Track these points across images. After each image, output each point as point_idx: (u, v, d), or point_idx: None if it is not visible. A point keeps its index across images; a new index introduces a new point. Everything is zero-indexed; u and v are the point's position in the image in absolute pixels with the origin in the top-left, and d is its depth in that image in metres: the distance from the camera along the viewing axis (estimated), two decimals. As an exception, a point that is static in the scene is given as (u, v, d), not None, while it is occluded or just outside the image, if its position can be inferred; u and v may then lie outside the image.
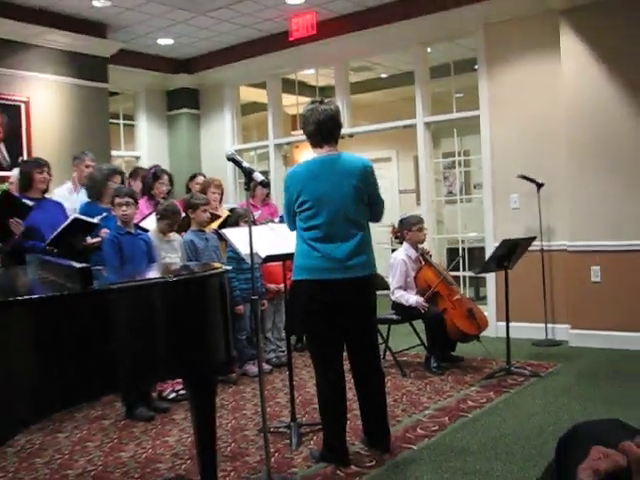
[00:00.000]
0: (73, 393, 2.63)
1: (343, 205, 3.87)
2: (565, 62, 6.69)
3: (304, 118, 4.02)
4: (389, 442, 4.08)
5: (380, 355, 4.24)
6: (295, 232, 4.05)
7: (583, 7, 6.55)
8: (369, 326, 4.10)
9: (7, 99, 7.40)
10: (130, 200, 5.04)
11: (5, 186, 6.79)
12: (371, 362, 4.09)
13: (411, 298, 5.98)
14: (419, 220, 6.25)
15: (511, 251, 5.72)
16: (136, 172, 6.82)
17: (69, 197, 6.20)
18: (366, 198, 3.97)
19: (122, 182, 5.71)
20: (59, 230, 5.05)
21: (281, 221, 5.42)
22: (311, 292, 3.93)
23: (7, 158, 7.32)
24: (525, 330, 6.98)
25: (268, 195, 7.11)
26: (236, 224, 5.83)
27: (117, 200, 5.03)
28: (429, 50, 8.22)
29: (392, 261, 6.18)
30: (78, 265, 2.75)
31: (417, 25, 7.82)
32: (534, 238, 6.29)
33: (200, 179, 7.10)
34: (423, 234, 6.18)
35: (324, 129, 3.96)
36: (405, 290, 6.07)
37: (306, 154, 9.99)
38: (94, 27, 8.18)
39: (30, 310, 2.46)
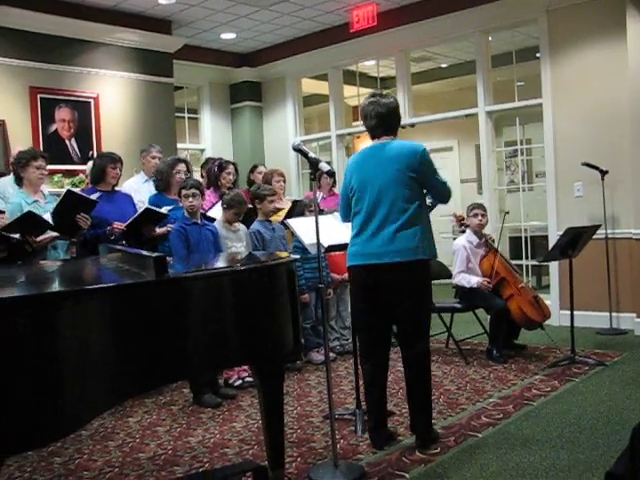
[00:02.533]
0: (147, 379, 2.70)
1: (385, 189, 3.82)
2: (631, 47, 6.53)
3: (365, 111, 3.99)
4: (425, 437, 3.96)
5: (424, 345, 3.96)
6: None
7: (651, -11, 6.37)
8: (409, 314, 3.90)
9: (78, 96, 7.62)
10: (196, 192, 5.15)
11: (77, 179, 7.04)
12: (409, 353, 3.94)
13: (472, 279, 5.96)
14: (475, 206, 6.23)
15: (575, 239, 5.66)
16: (208, 162, 6.92)
17: (140, 188, 6.33)
18: (415, 183, 3.84)
19: (187, 170, 5.80)
20: (132, 219, 5.20)
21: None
22: (354, 278, 3.99)
23: (78, 153, 7.53)
24: (589, 319, 6.90)
25: (334, 185, 7.16)
26: (302, 214, 5.91)
27: (184, 192, 5.15)
28: (490, 39, 8.15)
29: (454, 248, 6.18)
30: (153, 254, 2.82)
31: (478, 14, 7.75)
32: (599, 226, 6.20)
33: (261, 169, 7.17)
34: (478, 219, 6.13)
35: (387, 123, 3.96)
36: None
37: (367, 144, 9.98)
38: (159, 24, 8.36)
39: (107, 298, 2.51)
